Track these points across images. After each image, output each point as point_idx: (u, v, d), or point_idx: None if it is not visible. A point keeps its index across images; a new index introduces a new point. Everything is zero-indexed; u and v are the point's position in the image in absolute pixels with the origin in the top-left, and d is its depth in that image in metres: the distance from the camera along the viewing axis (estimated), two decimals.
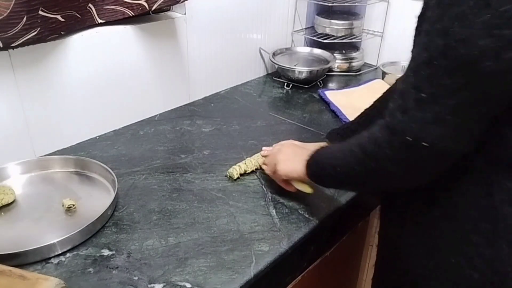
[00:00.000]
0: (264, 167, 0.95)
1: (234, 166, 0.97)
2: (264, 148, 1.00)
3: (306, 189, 0.86)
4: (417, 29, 0.60)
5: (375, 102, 0.95)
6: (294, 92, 1.42)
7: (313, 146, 0.85)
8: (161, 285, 0.70)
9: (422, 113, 0.53)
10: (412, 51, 0.58)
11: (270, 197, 0.91)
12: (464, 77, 0.50)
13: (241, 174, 0.97)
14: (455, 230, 0.62)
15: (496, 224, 0.58)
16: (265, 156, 0.97)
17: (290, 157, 0.85)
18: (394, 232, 0.74)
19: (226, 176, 0.97)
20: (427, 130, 0.54)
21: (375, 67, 1.65)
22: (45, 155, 1.02)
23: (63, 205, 0.85)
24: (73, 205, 0.85)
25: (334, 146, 0.75)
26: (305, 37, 1.65)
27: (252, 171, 0.99)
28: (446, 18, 0.50)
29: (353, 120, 0.98)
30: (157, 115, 1.24)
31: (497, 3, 0.47)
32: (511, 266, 0.58)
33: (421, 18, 0.58)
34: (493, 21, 0.47)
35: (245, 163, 0.98)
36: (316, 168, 0.76)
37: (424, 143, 0.54)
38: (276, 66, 1.48)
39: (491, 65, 0.49)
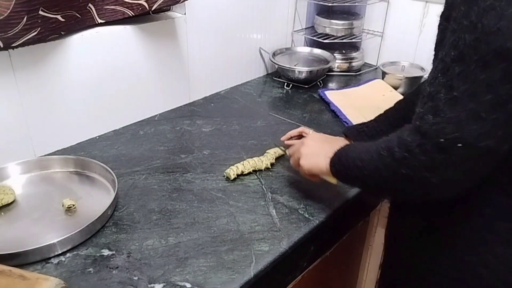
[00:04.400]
0: (298, 162, 0.88)
1: (231, 167, 0.97)
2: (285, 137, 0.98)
3: (331, 179, 0.82)
4: (439, 27, 0.58)
5: (396, 104, 0.93)
6: (294, 92, 1.42)
7: (338, 141, 0.82)
8: (161, 285, 0.70)
9: (455, 112, 0.51)
10: (436, 51, 0.57)
11: (270, 197, 0.91)
12: (499, 70, 0.49)
13: (238, 175, 0.97)
14: (470, 229, 0.61)
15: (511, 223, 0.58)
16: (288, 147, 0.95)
17: (314, 152, 0.82)
18: (405, 230, 0.73)
19: (224, 176, 0.97)
20: (462, 129, 0.51)
21: (375, 67, 1.65)
22: (45, 155, 1.02)
23: (63, 205, 0.85)
24: (73, 205, 0.85)
25: (360, 145, 0.71)
26: (305, 37, 1.65)
27: (250, 173, 0.98)
28: (474, 13, 0.50)
29: (374, 119, 0.95)
30: (157, 115, 1.24)
31: None
32: None
33: (443, 17, 0.57)
34: None
35: (243, 164, 0.98)
36: (340, 167, 0.73)
37: (460, 144, 0.51)
38: (276, 66, 1.48)
39: None
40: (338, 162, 0.74)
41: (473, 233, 0.61)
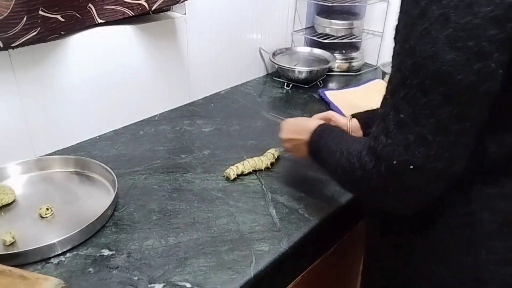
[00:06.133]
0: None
1: (231, 167, 0.97)
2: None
3: None
4: (394, 39, 0.59)
5: None
6: (294, 92, 1.42)
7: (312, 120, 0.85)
8: (161, 285, 0.70)
9: (404, 135, 0.52)
10: (391, 69, 0.57)
11: (270, 197, 0.91)
12: (438, 94, 0.50)
13: (238, 175, 0.97)
14: (435, 238, 0.62)
15: (475, 231, 0.59)
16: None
17: (293, 135, 0.86)
18: (377, 242, 0.74)
19: (224, 176, 0.97)
20: (411, 152, 0.52)
21: (375, 67, 1.65)
22: (45, 155, 1.02)
23: (40, 215, 0.83)
24: (49, 208, 0.83)
25: (333, 135, 0.73)
26: (305, 37, 1.65)
27: (250, 173, 0.98)
28: (412, 37, 0.51)
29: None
30: (157, 115, 1.24)
31: (457, 17, 0.47)
32: (489, 272, 0.58)
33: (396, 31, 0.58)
34: (456, 34, 0.47)
35: (243, 164, 0.97)
36: (315, 150, 0.76)
37: (411, 167, 0.52)
38: (276, 66, 1.48)
39: (462, 78, 0.48)
40: (313, 143, 0.77)
41: (438, 242, 0.62)
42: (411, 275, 0.66)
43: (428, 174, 0.53)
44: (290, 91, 1.43)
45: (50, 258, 0.74)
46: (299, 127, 0.85)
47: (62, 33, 0.95)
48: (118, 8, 1.04)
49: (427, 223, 0.63)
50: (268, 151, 1.03)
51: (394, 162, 0.53)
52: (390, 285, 0.71)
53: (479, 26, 0.46)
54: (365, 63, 1.67)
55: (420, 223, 0.63)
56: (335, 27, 1.58)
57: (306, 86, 1.45)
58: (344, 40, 1.57)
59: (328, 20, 1.58)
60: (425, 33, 0.49)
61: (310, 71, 1.44)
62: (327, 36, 1.58)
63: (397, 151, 0.52)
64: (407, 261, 0.66)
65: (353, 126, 0.93)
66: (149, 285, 0.70)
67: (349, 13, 1.66)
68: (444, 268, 0.61)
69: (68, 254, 0.75)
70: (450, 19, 0.47)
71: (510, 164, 0.57)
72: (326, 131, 0.76)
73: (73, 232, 0.75)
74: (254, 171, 0.99)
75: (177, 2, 1.10)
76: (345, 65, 1.59)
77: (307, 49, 1.60)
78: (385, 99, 0.56)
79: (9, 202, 0.86)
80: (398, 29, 0.55)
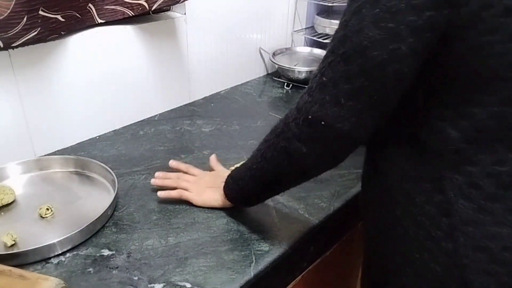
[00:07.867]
0: (186, 194, 0.88)
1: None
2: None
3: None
4: None
5: None
6: (294, 92, 1.42)
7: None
8: (161, 285, 0.70)
9: (322, 95, 0.59)
10: None
11: None
12: (356, 65, 0.55)
13: None
14: (417, 226, 0.64)
15: (452, 218, 0.61)
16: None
17: (207, 187, 0.88)
18: (370, 234, 0.76)
19: None
20: (324, 110, 0.59)
21: None
22: (45, 155, 1.02)
23: (40, 214, 0.83)
24: (49, 208, 0.84)
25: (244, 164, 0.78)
26: (305, 37, 1.65)
27: None
28: (348, 12, 0.57)
29: None
30: (157, 115, 1.24)
31: (385, 0, 0.52)
32: (467, 257, 0.60)
33: None
34: (381, 15, 0.53)
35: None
36: (234, 185, 0.79)
37: (322, 122, 0.59)
38: (276, 66, 1.48)
39: (376, 54, 0.54)
40: (230, 181, 0.81)
41: (420, 230, 0.63)
42: (398, 262, 0.68)
43: (336, 132, 0.59)
44: (290, 91, 1.43)
45: (50, 258, 0.74)
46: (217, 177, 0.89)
47: (62, 33, 0.95)
48: (118, 8, 1.04)
49: (410, 214, 0.64)
50: None
51: (310, 116, 0.60)
52: (382, 275, 0.73)
53: (402, 11, 0.52)
54: None
55: (404, 215, 0.65)
56: (335, 27, 1.56)
57: (306, 86, 1.45)
58: None
59: (328, 20, 1.58)
60: (357, 10, 0.55)
61: (310, 71, 1.44)
62: (327, 36, 1.57)
63: (313, 108, 0.60)
64: (394, 250, 0.68)
65: None
66: (149, 285, 0.70)
67: None
68: (427, 255, 0.63)
69: (68, 254, 0.75)
70: (379, 1, 0.53)
71: (474, 151, 0.59)
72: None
73: (73, 232, 0.75)
74: None
75: (177, 2, 1.10)
76: None
77: (307, 49, 1.60)
78: (319, 63, 0.63)
79: (9, 202, 0.86)
80: None
